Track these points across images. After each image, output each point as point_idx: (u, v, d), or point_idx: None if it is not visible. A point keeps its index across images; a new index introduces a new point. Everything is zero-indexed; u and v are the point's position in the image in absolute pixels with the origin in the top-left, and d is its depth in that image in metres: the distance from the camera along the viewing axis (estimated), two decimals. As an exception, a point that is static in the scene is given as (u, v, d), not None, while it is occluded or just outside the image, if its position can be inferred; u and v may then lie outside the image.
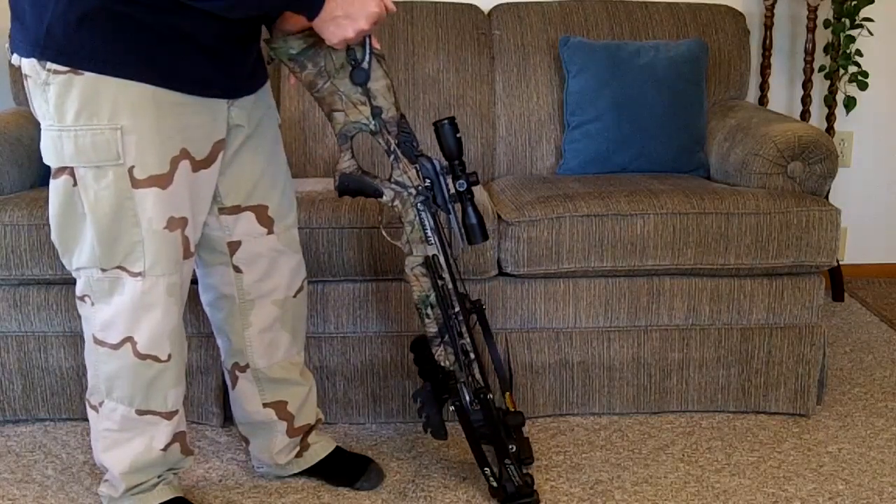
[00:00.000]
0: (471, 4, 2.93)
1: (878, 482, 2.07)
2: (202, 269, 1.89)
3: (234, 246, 1.84)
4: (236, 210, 1.82)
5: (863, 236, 3.41)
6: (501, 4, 2.95)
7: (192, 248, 1.73)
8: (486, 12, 2.94)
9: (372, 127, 1.76)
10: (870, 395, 2.51)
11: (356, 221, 2.21)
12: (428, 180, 1.81)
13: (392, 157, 1.80)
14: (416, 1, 2.87)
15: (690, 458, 2.18)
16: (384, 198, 1.82)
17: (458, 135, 1.80)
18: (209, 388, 2.29)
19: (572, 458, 2.18)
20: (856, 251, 3.43)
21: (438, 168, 1.81)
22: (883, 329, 2.98)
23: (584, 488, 2.05)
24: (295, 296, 1.94)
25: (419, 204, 1.81)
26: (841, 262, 3.29)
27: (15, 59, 1.62)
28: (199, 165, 1.68)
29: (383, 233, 1.88)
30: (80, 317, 1.77)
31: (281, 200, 1.87)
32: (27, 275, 2.21)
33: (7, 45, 1.65)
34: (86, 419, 2.31)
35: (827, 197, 2.45)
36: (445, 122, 1.80)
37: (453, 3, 2.91)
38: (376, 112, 1.76)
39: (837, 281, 3.21)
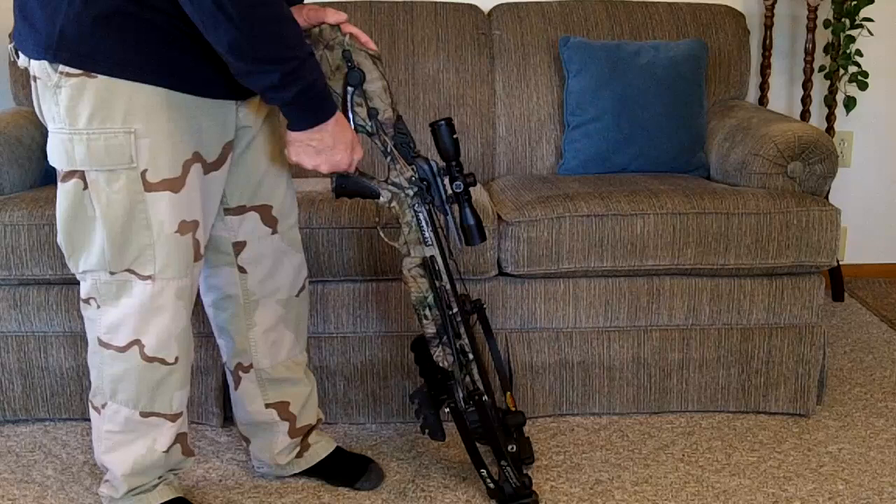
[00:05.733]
0: (471, 4, 2.93)
1: (878, 482, 2.07)
2: (206, 269, 1.89)
3: (239, 246, 1.85)
4: (241, 210, 1.82)
5: (863, 236, 3.41)
6: (501, 4, 2.95)
7: (202, 251, 1.73)
8: (486, 12, 2.94)
9: (368, 128, 1.76)
10: (870, 395, 2.51)
11: (356, 221, 2.21)
12: (425, 181, 1.81)
13: (389, 158, 1.80)
14: (416, 1, 2.88)
15: (690, 458, 2.18)
16: (381, 199, 1.82)
17: (454, 136, 1.80)
18: (209, 388, 2.29)
19: (572, 458, 2.18)
20: (856, 251, 3.43)
21: (435, 169, 1.81)
22: (883, 329, 2.98)
23: (584, 488, 2.05)
24: (297, 295, 1.94)
25: (416, 205, 1.81)
26: (841, 262, 3.29)
27: (23, 60, 1.60)
28: (210, 168, 1.69)
29: (381, 234, 1.88)
30: (82, 318, 1.76)
31: (284, 200, 1.87)
32: (27, 275, 2.21)
33: (11, 46, 1.64)
34: (86, 419, 2.32)
35: (827, 197, 2.45)
36: (442, 122, 1.80)
37: (453, 3, 2.91)
38: (373, 113, 1.76)
39: (837, 281, 3.21)
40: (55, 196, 2.29)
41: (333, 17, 1.73)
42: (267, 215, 1.84)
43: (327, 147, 1.67)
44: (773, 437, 2.28)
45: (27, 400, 2.32)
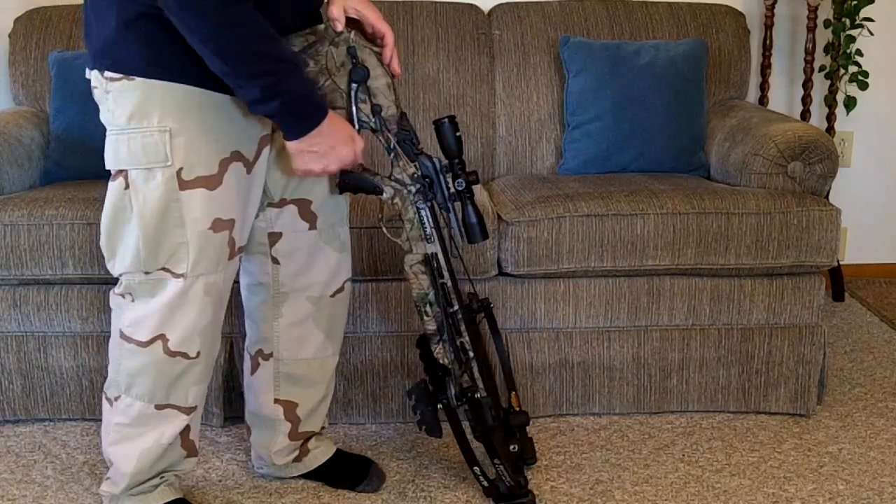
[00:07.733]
0: (471, 4, 2.93)
1: (878, 482, 2.07)
2: (244, 254, 1.90)
3: (274, 237, 1.87)
4: (282, 203, 1.84)
5: (863, 236, 3.41)
6: (501, 4, 2.95)
7: (238, 249, 1.75)
8: (486, 12, 2.94)
9: (372, 125, 1.77)
10: (870, 395, 2.51)
11: (356, 221, 2.21)
12: (427, 178, 1.82)
13: (392, 154, 1.80)
14: (416, 1, 2.88)
15: (690, 458, 2.17)
16: (384, 195, 1.83)
17: (457, 133, 1.81)
18: (209, 388, 2.28)
19: (572, 458, 2.18)
20: (856, 251, 3.43)
21: (438, 166, 1.82)
22: (883, 329, 2.98)
23: (584, 488, 2.04)
24: (333, 295, 1.94)
25: (419, 202, 1.82)
26: (841, 262, 3.29)
27: (87, 73, 1.68)
28: (251, 166, 1.71)
29: (384, 230, 1.88)
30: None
31: (326, 197, 1.88)
32: (27, 275, 2.21)
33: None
34: (85, 419, 2.32)
35: (827, 197, 2.45)
36: (445, 120, 1.80)
37: (453, 3, 2.91)
38: (376, 110, 1.76)
39: (837, 281, 3.21)
40: (54, 196, 2.30)
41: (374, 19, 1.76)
42: (305, 210, 1.86)
43: (329, 147, 1.69)
44: (773, 438, 2.27)
45: (27, 400, 2.31)
